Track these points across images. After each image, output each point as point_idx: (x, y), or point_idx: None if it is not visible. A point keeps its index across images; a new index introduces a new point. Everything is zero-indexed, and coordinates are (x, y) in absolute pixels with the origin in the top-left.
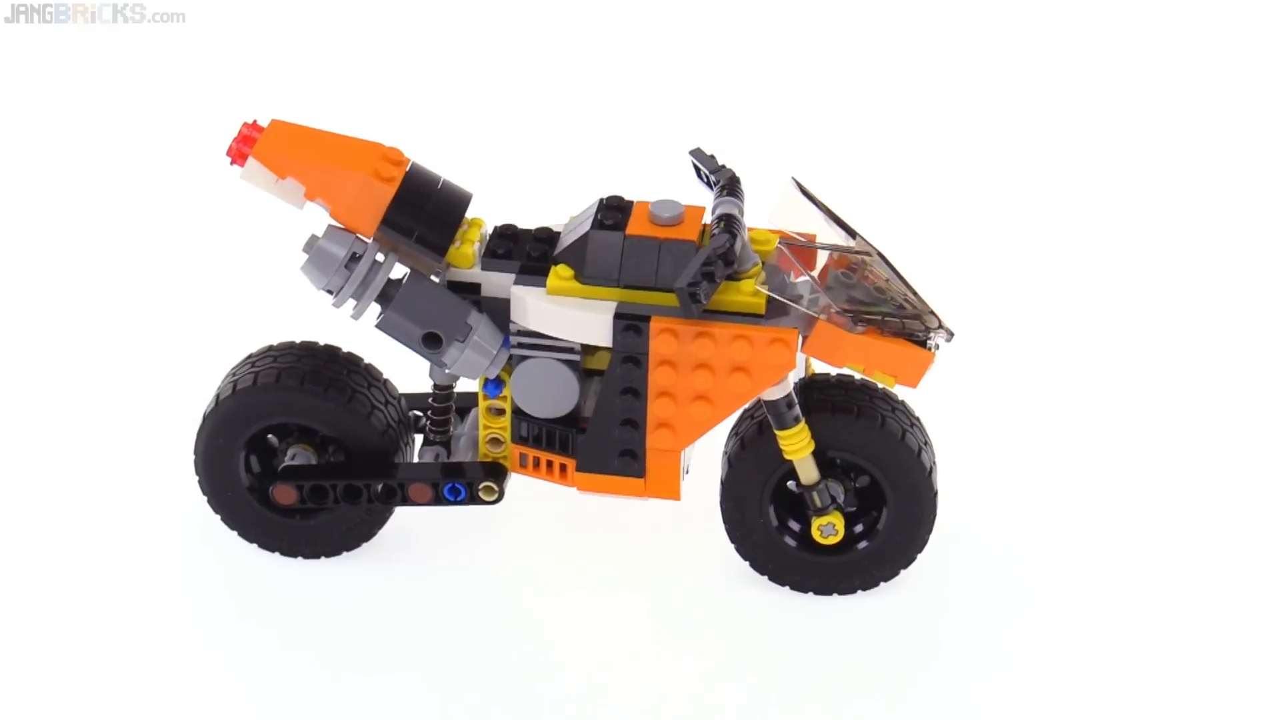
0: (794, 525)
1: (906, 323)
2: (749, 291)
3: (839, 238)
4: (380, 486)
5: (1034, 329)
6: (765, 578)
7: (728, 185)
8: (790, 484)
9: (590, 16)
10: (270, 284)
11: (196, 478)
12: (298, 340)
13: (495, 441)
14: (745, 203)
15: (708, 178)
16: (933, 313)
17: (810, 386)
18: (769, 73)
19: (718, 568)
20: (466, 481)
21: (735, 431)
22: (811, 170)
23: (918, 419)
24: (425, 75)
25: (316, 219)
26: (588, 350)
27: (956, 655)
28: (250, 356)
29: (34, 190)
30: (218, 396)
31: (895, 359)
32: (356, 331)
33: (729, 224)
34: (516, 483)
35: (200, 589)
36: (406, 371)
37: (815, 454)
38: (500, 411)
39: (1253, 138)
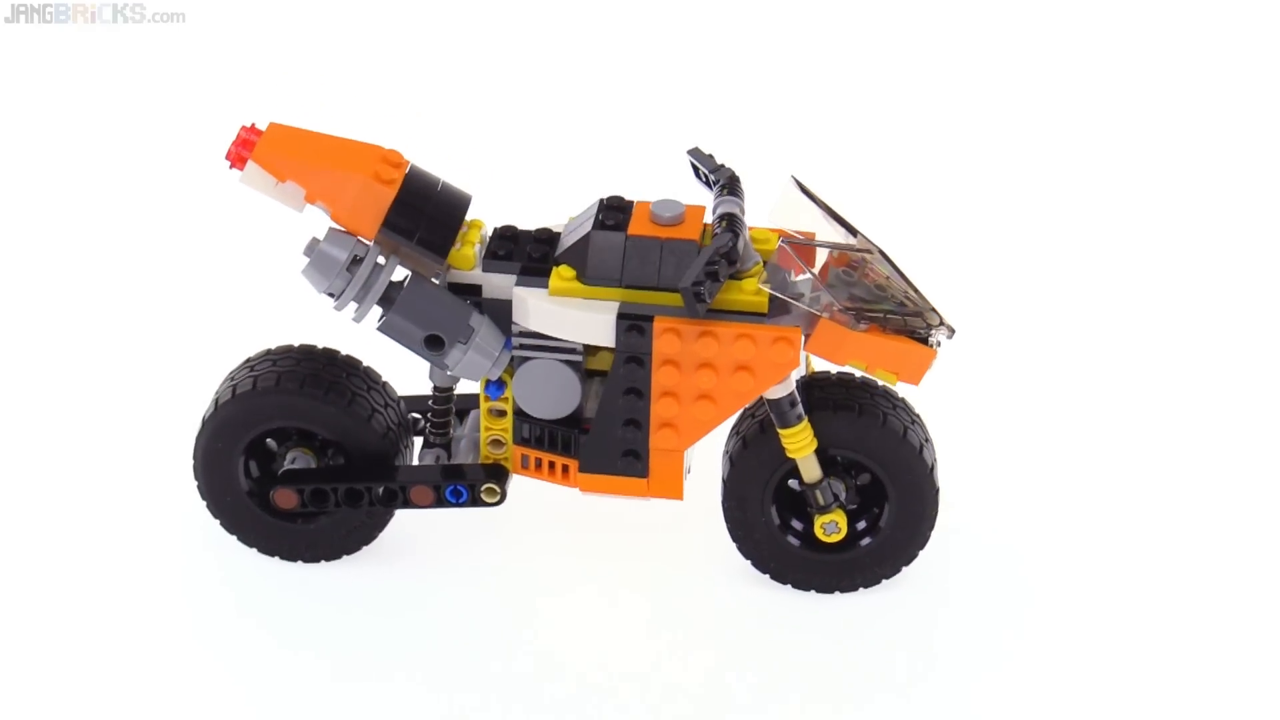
0: (796, 524)
1: (908, 320)
2: (751, 290)
3: (839, 236)
4: (382, 489)
5: (1032, 326)
6: (767, 576)
7: (728, 184)
8: (791, 482)
9: (587, 16)
10: (268, 287)
11: (195, 482)
12: (296, 343)
13: (496, 443)
14: (745, 201)
15: (707, 177)
16: (934, 310)
17: (811, 385)
18: (766, 72)
19: (719, 567)
20: (468, 483)
21: (736, 430)
22: (810, 169)
23: (918, 416)
24: (424, 75)
25: (312, 222)
26: (589, 351)
27: (958, 652)
28: (249, 360)
29: (34, 190)
30: (216, 401)
31: (898, 356)
32: (354, 334)
33: (731, 223)
34: (516, 484)
35: (200, 593)
36: (405, 374)
37: (816, 452)
38: (501, 413)
39: (1253, 137)
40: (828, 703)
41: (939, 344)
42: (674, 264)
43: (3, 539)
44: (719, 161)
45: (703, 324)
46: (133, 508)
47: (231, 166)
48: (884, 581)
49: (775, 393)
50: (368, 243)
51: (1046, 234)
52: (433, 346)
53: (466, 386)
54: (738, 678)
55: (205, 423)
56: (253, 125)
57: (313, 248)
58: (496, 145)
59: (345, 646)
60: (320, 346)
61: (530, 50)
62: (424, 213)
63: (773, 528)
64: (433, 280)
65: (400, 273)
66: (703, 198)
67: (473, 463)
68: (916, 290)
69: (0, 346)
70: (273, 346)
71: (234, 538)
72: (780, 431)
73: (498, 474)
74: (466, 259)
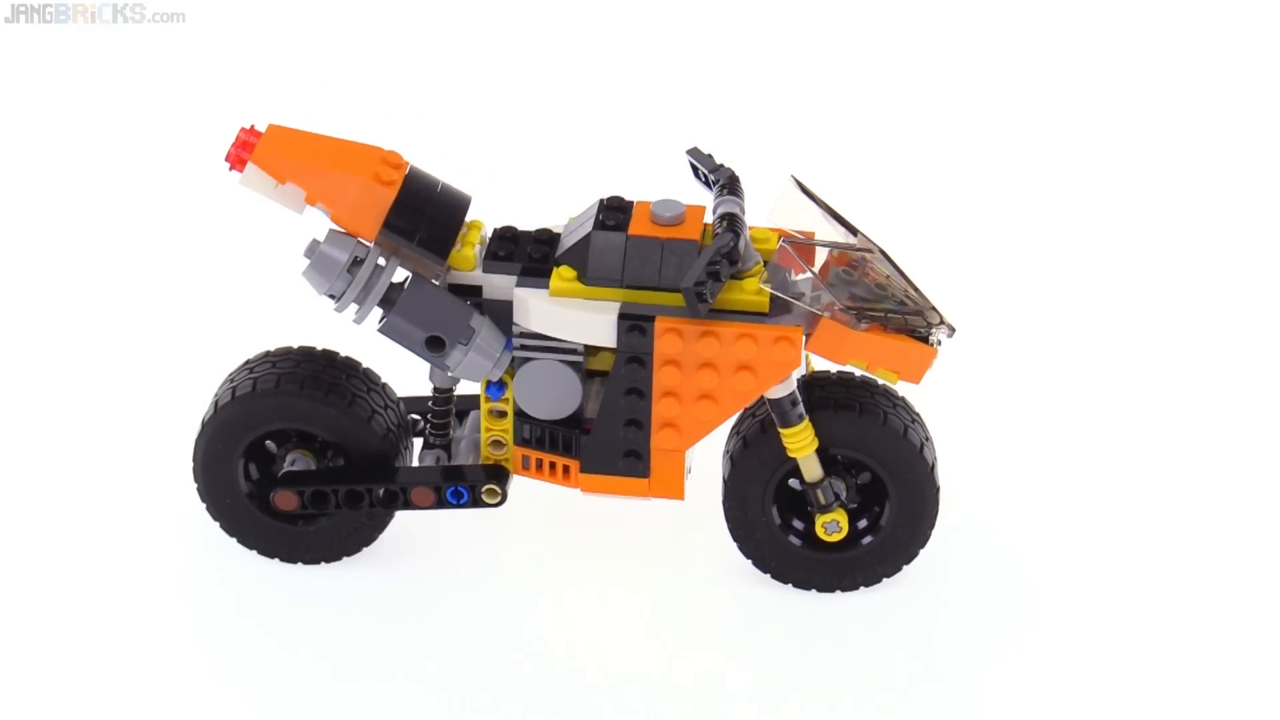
0: (797, 523)
1: (909, 319)
2: (752, 290)
3: (839, 235)
4: (382, 491)
5: (1030, 324)
6: (768, 576)
7: (728, 184)
8: (792, 482)
9: (584, 17)
10: (267, 288)
11: (195, 485)
12: (295, 345)
13: (497, 444)
14: (745, 201)
15: (706, 177)
16: (934, 308)
17: (811, 384)
18: (764, 71)
19: (719, 566)
20: (469, 484)
21: (737, 430)
22: (809, 169)
23: (918, 415)
24: (423, 76)
25: (309, 225)
26: (590, 351)
27: (959, 651)
28: (248, 362)
29: (33, 191)
30: (216, 403)
31: (899, 355)
32: (353, 336)
33: (732, 223)
34: (516, 485)
35: (200, 595)
36: (404, 375)
37: (817, 451)
38: (502, 414)
39: (1253, 136)
40: (828, 702)
41: (939, 343)
42: (675, 264)
43: (3, 541)
44: (718, 161)
45: (704, 324)
46: (132, 510)
47: (231, 168)
48: (884, 580)
49: (777, 392)
50: (368, 244)
51: (1046, 233)
52: (434, 348)
53: (466, 388)
54: (739, 677)
55: (205, 425)
56: (252, 127)
57: (313, 249)
58: (494, 146)
59: (346, 648)
60: (319, 348)
61: (528, 50)
62: (424, 214)
63: (774, 527)
64: (433, 281)
65: (401, 274)
66: (702, 198)
67: (473, 464)
68: (916, 289)
69: None
70: (272, 348)
71: (234, 540)
72: (781, 431)
73: (498, 475)
74: (467, 260)
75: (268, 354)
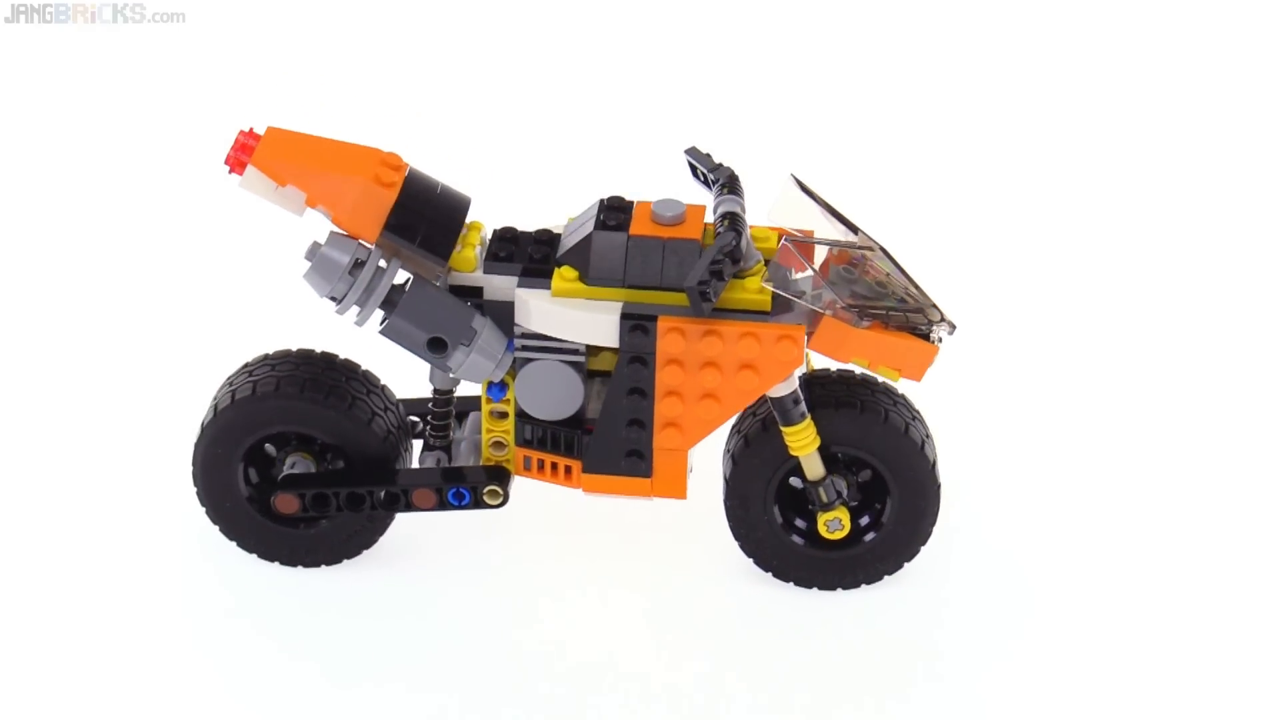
0: (799, 522)
1: (910, 316)
2: (754, 289)
3: (838, 233)
4: (383, 493)
5: (1028, 322)
6: (769, 574)
7: (728, 183)
8: (793, 480)
9: (582, 17)
10: (266, 291)
11: (195, 489)
12: (294, 348)
13: (498, 445)
14: (745, 200)
15: (705, 176)
16: (935, 306)
17: (812, 382)
18: (761, 71)
19: (721, 565)
20: (470, 486)
21: (738, 429)
22: (807, 168)
23: (917, 412)
24: (422, 76)
25: (304, 228)
26: (591, 351)
27: (960, 648)
28: (247, 365)
29: (33, 191)
30: (216, 406)
31: (900, 353)
32: (350, 338)
33: (733, 221)
34: (515, 486)
35: (200, 599)
36: (402, 377)
37: (818, 449)
38: (503, 415)
39: (1253, 134)
40: (831, 700)
41: (940, 340)
42: (676, 263)
43: (3, 545)
44: (717, 160)
45: (707, 323)
46: (132, 514)
47: (231, 171)
48: (886, 578)
49: (779, 391)
50: (369, 246)
51: (1046, 231)
52: (436, 349)
53: (466, 389)
54: (741, 676)
55: (205, 428)
56: (250, 130)
57: (314, 251)
58: (491, 147)
59: (347, 650)
60: (319, 351)
61: (525, 51)
62: (425, 215)
63: (775, 526)
64: (434, 283)
65: (401, 276)
66: (701, 197)
67: (474, 465)
68: (917, 286)
69: None
70: (270, 351)
71: (233, 543)
72: (784, 429)
73: (500, 476)
74: (468, 261)
75: (266, 357)
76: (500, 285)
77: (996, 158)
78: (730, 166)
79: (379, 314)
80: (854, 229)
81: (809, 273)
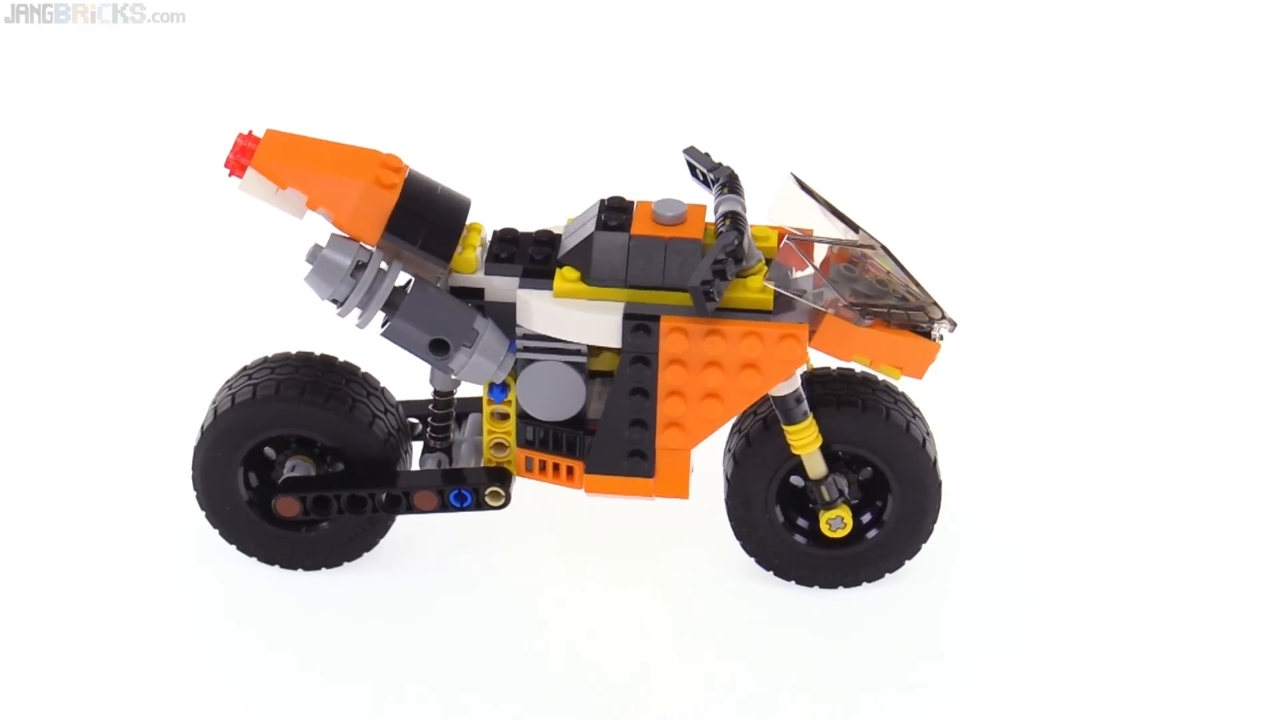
0: (801, 521)
1: (911, 314)
2: (756, 288)
3: (839, 232)
4: (385, 495)
5: (1027, 319)
6: (770, 573)
7: (728, 182)
8: (794, 479)
9: (579, 17)
10: (263, 293)
11: (194, 493)
12: (293, 351)
13: (500, 446)
14: (745, 199)
15: (704, 175)
16: (935, 303)
17: (813, 381)
18: (759, 71)
19: (722, 565)
20: (472, 487)
21: (739, 428)
22: (805, 166)
23: (918, 410)
24: (420, 76)
25: (298, 230)
26: (592, 352)
27: (961, 644)
28: (246, 368)
29: (33, 191)
30: (215, 410)
31: (902, 351)
32: (347, 340)
33: (735, 221)
34: (516, 487)
35: (201, 604)
36: (399, 380)
37: (820, 448)
38: (505, 416)
39: (1253, 136)
40: (833, 698)
41: (942, 338)
42: (678, 263)
43: (3, 549)
44: (716, 160)
45: (709, 323)
46: (132, 518)
47: (231, 174)
48: (887, 575)
49: (781, 390)
50: (370, 248)
51: (1045, 229)
52: (438, 351)
53: (466, 390)
54: (743, 675)
55: (205, 432)
56: (250, 132)
57: (315, 254)
58: (489, 147)
59: (348, 652)
60: (318, 353)
61: (522, 51)
62: (425, 217)
63: (777, 525)
64: (435, 285)
65: (402, 278)
66: (700, 197)
67: (476, 467)
68: (918, 284)
69: None
70: (269, 354)
71: (233, 547)
72: (786, 428)
73: (502, 477)
74: (468, 262)
75: (266, 360)
76: (501, 286)
77: (995, 156)
78: (729, 166)
79: (380, 316)
80: (854, 227)
81: (810, 271)
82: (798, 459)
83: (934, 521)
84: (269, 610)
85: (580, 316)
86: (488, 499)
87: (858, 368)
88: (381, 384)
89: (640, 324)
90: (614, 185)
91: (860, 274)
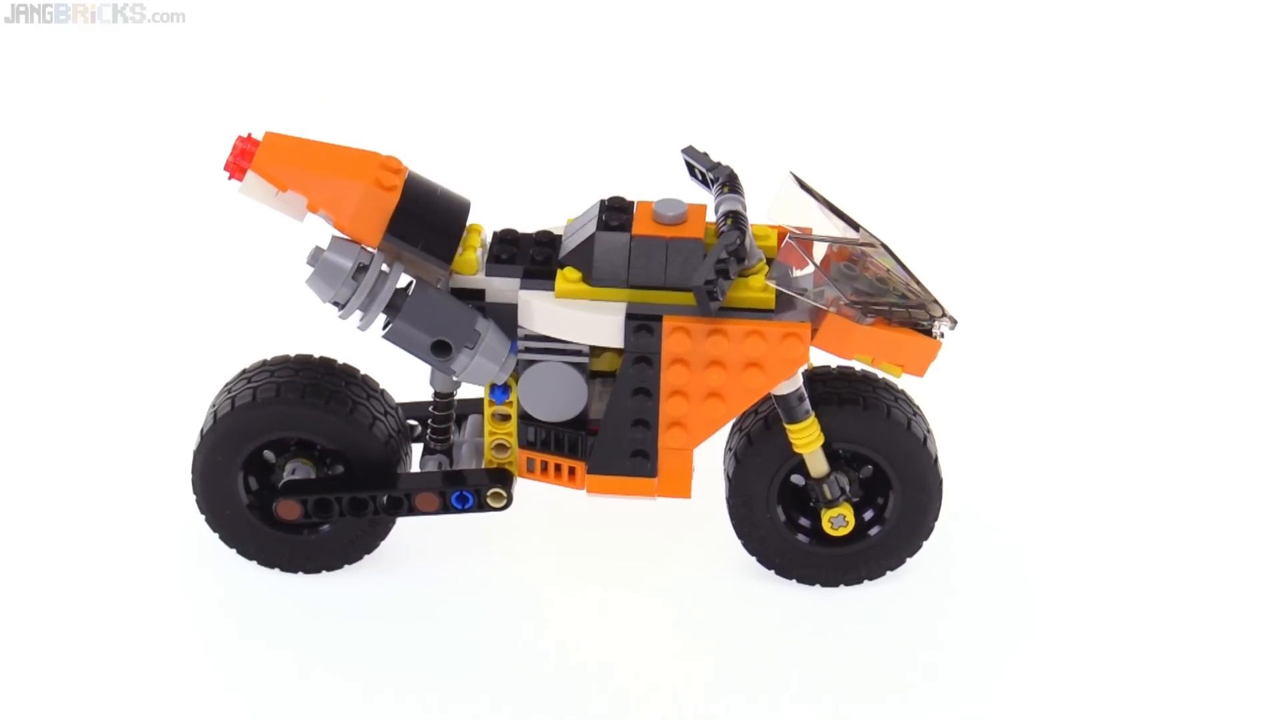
0: (803, 520)
1: (911, 312)
2: (758, 287)
3: (839, 230)
4: (386, 498)
5: (1026, 317)
6: (771, 572)
7: (728, 181)
8: (794, 478)
9: (579, 17)
10: (262, 295)
11: (194, 497)
12: (291, 353)
13: (501, 447)
14: (745, 198)
15: (703, 175)
16: (935, 301)
17: (813, 379)
18: (757, 70)
19: (724, 563)
20: (473, 489)
21: (740, 427)
22: (803, 165)
23: (918, 408)
24: (419, 77)
25: (292, 232)
26: (593, 352)
27: (962, 641)
28: (245, 372)
29: (32, 192)
30: (215, 413)
31: (904, 349)
32: (344, 343)
33: (736, 220)
34: (516, 487)
35: (201, 608)
36: (399, 381)
37: (820, 446)
38: (506, 417)
39: (1252, 135)
40: (835, 696)
41: (942, 335)
42: (680, 263)
43: (2, 553)
44: (715, 159)
45: (712, 322)
46: (131, 522)
47: (230, 177)
48: (888, 573)
49: (783, 388)
50: (371, 250)
51: (1045, 227)
52: (439, 352)
53: (465, 391)
54: (745, 673)
55: (204, 435)
56: (249, 135)
57: (316, 256)
58: (487, 148)
59: (350, 655)
60: (317, 355)
61: (520, 52)
62: (426, 219)
63: (778, 524)
64: (436, 286)
65: (403, 279)
66: (699, 196)
67: (477, 468)
68: (918, 282)
69: None
70: (268, 357)
71: (233, 551)
72: (788, 427)
73: (503, 478)
74: (469, 264)
75: (265, 363)
76: (502, 287)
77: (995, 154)
78: (729, 165)
79: (381, 318)
80: (855, 226)
81: (810, 270)
82: (799, 457)
83: (935, 519)
84: (269, 613)
85: (582, 317)
86: (489, 500)
87: (857, 366)
88: (381, 386)
89: (642, 324)
90: (614, 185)
91: (861, 272)
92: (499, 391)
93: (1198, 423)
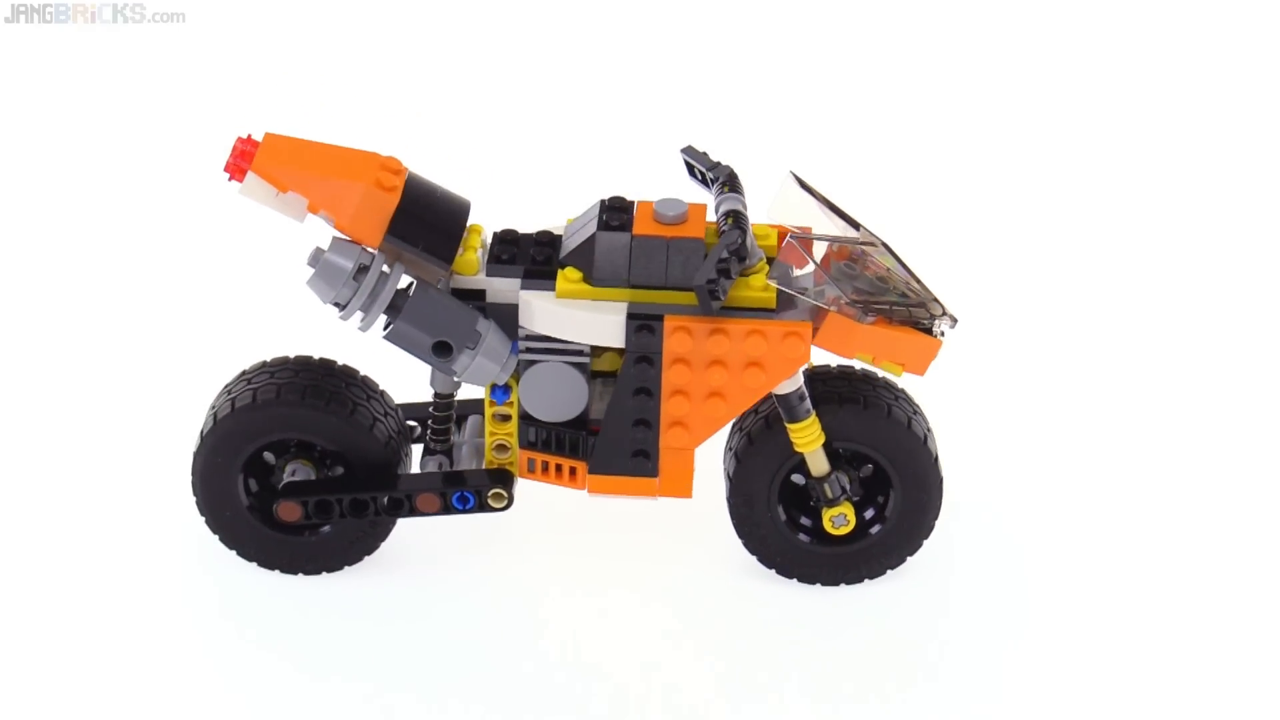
0: (804, 520)
1: (912, 311)
2: (759, 286)
3: (839, 229)
4: (387, 499)
5: (1024, 316)
6: (772, 571)
7: (728, 181)
8: (794, 477)
9: (578, 17)
10: (260, 297)
11: (194, 498)
12: (289, 354)
13: (501, 448)
14: (745, 197)
15: (702, 175)
16: (936, 300)
17: (813, 378)
18: (757, 71)
19: (725, 563)
20: (474, 489)
21: (741, 427)
22: (802, 165)
23: (918, 406)
24: (418, 77)
25: (287, 233)
26: (594, 352)
27: (963, 639)
28: (245, 373)
29: (32, 192)
30: (215, 415)
31: (905, 348)
32: (342, 344)
33: (737, 219)
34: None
35: (202, 610)
36: (398, 382)
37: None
38: (506, 418)
39: (1253, 133)
40: (837, 695)
41: (943, 334)
42: (681, 262)
43: (1, 555)
44: (714, 159)
45: (713, 321)
46: (131, 525)
47: (230, 179)
48: (889, 572)
49: (784, 387)
50: (372, 251)
51: (1045, 225)
52: (441, 353)
53: (464, 392)
54: (746, 672)
55: (204, 437)
56: (248, 136)
57: (317, 257)
58: (486, 148)
59: (351, 657)
60: (316, 356)
61: (518, 52)
62: (427, 219)
63: (779, 523)
64: (436, 287)
65: (404, 280)
66: (698, 196)
67: (478, 468)
68: (918, 280)
69: None
70: (268, 358)
71: (233, 552)
72: (789, 426)
73: (504, 479)
74: (470, 264)
75: (264, 364)
76: (503, 288)
77: (994, 152)
78: (728, 164)
79: (382, 319)
80: (855, 225)
81: (811, 269)
82: (800, 457)
83: (935, 518)
84: (269, 615)
85: (583, 317)
86: (490, 501)
87: (857, 364)
88: (380, 387)
89: (644, 324)
90: (613, 185)
91: (861, 271)
92: (500, 392)
93: (1198, 421)
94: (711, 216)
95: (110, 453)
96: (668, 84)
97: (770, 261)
